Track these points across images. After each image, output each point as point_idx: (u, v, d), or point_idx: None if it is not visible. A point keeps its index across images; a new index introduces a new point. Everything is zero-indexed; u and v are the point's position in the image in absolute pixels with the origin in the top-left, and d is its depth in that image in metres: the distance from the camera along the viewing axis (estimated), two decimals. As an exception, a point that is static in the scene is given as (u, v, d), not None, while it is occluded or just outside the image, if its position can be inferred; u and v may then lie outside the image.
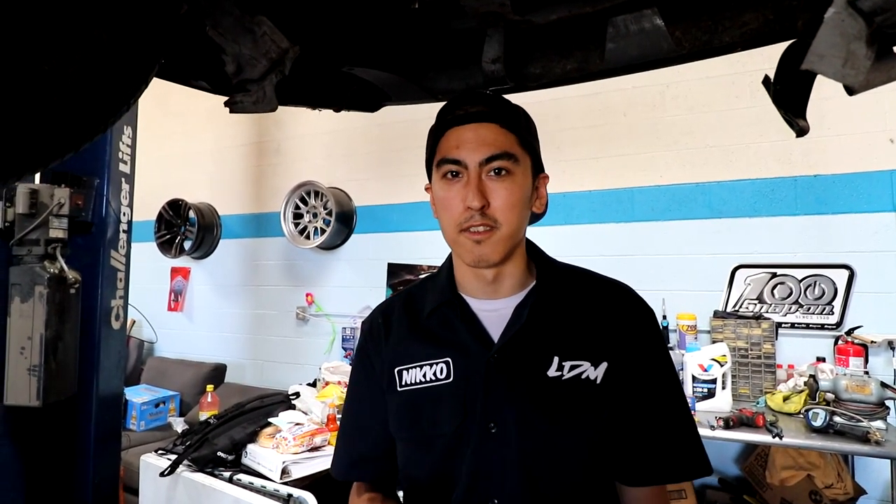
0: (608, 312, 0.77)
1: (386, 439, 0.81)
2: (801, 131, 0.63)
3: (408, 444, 0.78)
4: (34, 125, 0.48)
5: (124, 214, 2.55)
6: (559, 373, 0.72)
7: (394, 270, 3.55)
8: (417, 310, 0.82)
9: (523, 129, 0.74)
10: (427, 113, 3.35)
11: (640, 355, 0.75)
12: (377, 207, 3.64)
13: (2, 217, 1.91)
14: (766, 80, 0.68)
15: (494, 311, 0.77)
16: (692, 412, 0.80)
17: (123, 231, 2.54)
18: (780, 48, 0.80)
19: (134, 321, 4.24)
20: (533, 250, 0.83)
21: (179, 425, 3.25)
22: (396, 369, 0.78)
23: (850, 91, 0.54)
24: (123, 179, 2.55)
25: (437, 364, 0.76)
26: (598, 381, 0.72)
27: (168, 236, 4.03)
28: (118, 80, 0.53)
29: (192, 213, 3.99)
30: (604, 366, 0.72)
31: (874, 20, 0.44)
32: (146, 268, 4.26)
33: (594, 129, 3.06)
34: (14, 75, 0.46)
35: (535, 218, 0.84)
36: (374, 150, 3.68)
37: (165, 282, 4.31)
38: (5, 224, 1.92)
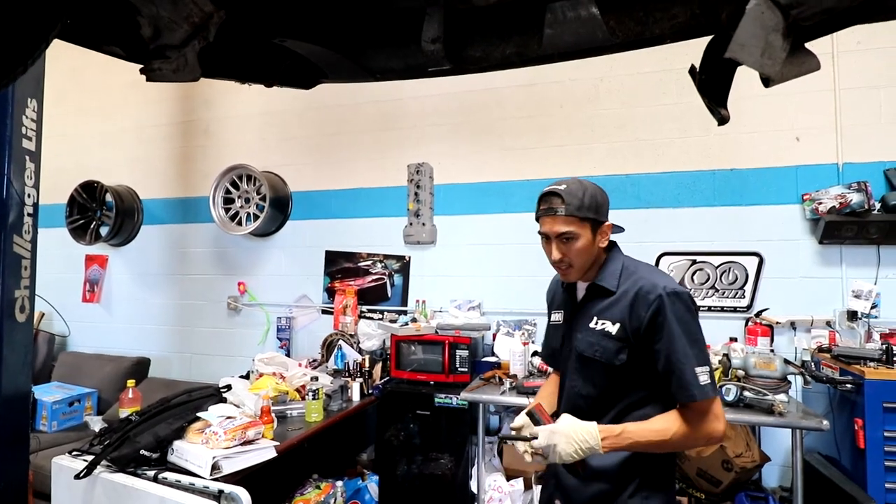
0: (628, 293, 1.24)
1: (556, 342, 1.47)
2: (723, 119, 0.66)
3: (551, 351, 1.46)
4: None
5: (29, 196, 2.32)
6: (594, 326, 1.27)
7: (332, 258, 3.47)
8: (556, 283, 1.51)
9: (583, 210, 1.23)
10: (367, 97, 3.27)
11: (644, 319, 1.20)
12: (314, 193, 3.54)
13: None
14: (692, 70, 0.71)
15: (583, 287, 1.36)
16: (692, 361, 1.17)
17: (28, 214, 2.31)
18: (704, 44, 0.84)
19: (42, 313, 3.89)
20: (610, 255, 1.33)
21: (97, 424, 3.02)
22: (550, 311, 1.50)
23: (767, 82, 0.57)
24: (28, 157, 2.31)
25: (559, 313, 1.44)
26: (613, 333, 1.23)
27: (82, 221, 3.71)
28: (10, 35, 0.47)
29: (109, 197, 3.70)
30: (617, 325, 1.23)
31: (790, 13, 0.47)
32: (56, 255, 3.92)
33: (532, 120, 3.12)
34: None
35: (616, 231, 1.35)
36: (311, 134, 3.56)
37: (79, 271, 3.98)
38: None
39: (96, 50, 0.74)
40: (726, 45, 0.54)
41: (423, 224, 3.30)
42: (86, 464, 1.74)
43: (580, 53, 0.88)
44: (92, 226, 3.71)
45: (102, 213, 3.73)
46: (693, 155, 2.86)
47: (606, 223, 1.29)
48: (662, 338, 1.17)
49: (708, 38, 0.81)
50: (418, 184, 3.31)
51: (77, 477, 1.72)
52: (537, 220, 1.29)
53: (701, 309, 2.74)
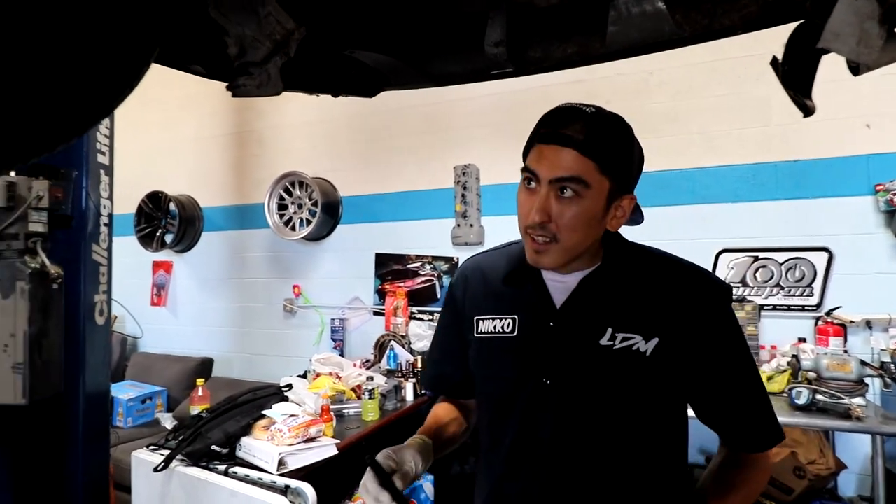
0: (668, 291, 0.84)
1: (462, 366, 1.00)
2: (809, 111, 0.64)
3: (480, 379, 0.97)
4: (39, 108, 0.46)
5: (104, 207, 2.49)
6: (611, 342, 0.82)
7: (382, 261, 3.53)
8: (493, 271, 0.97)
9: (609, 154, 0.78)
10: (415, 101, 3.31)
11: (699, 333, 0.82)
12: (363, 197, 3.61)
13: (-22, 211, 1.84)
14: (774, 62, 0.68)
15: (562, 284, 0.89)
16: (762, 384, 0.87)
17: (104, 224, 2.48)
18: (771, 32, 0.81)
19: (116, 316, 4.15)
20: (610, 237, 0.89)
21: (168, 421, 3.20)
22: (475, 317, 0.96)
23: (857, 71, 0.55)
24: (103, 171, 2.48)
25: (505, 319, 0.91)
26: (648, 354, 0.80)
27: (148, 229, 3.94)
28: (121, 63, 0.51)
29: (172, 206, 3.91)
30: (655, 341, 0.81)
31: (887, 1, 0.45)
32: (127, 262, 4.17)
33: (580, 117, 3.07)
34: (13, 57, 0.44)
35: (631, 222, 0.91)
36: (359, 139, 3.64)
37: (147, 276, 4.22)
38: (-18, 218, 1.85)
39: (180, 69, 0.79)
40: (813, 34, 0.52)
41: (471, 225, 3.31)
42: (163, 458, 1.85)
43: (645, 49, 0.86)
44: (158, 233, 3.93)
45: (167, 222, 3.95)
46: (751, 147, 2.73)
47: (631, 196, 0.84)
48: (727, 358, 0.83)
49: (778, 28, 0.78)
50: (465, 185, 3.32)
51: (155, 470, 1.83)
52: (528, 150, 0.83)
53: (766, 308, 2.62)
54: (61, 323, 2.05)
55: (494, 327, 0.92)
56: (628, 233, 0.94)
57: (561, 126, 0.78)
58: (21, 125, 0.44)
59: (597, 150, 0.77)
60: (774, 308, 2.62)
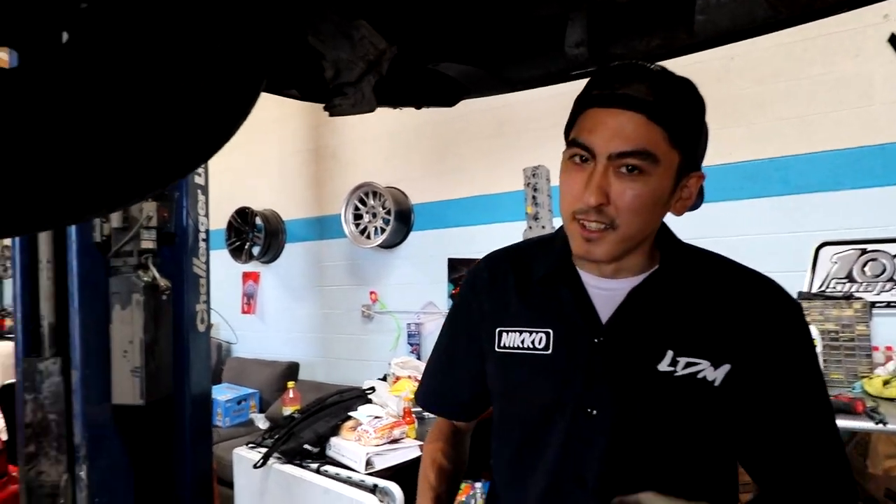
0: (741, 307, 0.69)
1: (472, 382, 0.84)
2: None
3: (502, 401, 0.81)
4: (173, 138, 0.52)
5: (202, 224, 2.70)
6: (671, 368, 0.67)
7: (454, 265, 3.57)
8: (526, 271, 0.79)
9: (680, 122, 0.65)
10: (482, 105, 3.31)
11: (777, 361, 0.68)
12: (434, 204, 3.67)
13: (99, 231, 2.07)
14: (892, 38, 0.63)
15: (608, 291, 0.73)
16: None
17: (202, 240, 2.69)
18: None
19: (213, 324, 4.49)
20: (662, 233, 0.75)
21: (261, 421, 3.42)
22: (497, 329, 0.79)
23: None
24: (199, 191, 2.70)
25: (537, 333, 0.75)
26: (717, 384, 0.67)
27: (238, 243, 4.24)
28: (239, 96, 0.56)
29: (258, 220, 4.18)
30: (726, 368, 0.66)
31: None
32: (220, 273, 4.50)
33: (655, 110, 2.95)
34: (156, 90, 0.50)
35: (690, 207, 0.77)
36: (428, 147, 3.71)
37: (238, 286, 4.53)
38: (102, 238, 2.08)
39: (275, 94, 0.85)
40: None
41: (543, 227, 3.26)
42: (261, 455, 1.98)
43: (735, 36, 0.82)
44: (246, 246, 4.22)
45: (254, 235, 4.22)
46: (853, 129, 2.49)
47: (699, 174, 0.71)
48: (803, 392, 0.68)
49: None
50: (535, 187, 3.29)
51: (255, 466, 1.96)
52: (574, 118, 0.70)
53: (878, 305, 2.37)
54: (170, 331, 2.26)
55: (522, 342, 0.75)
56: (686, 225, 0.81)
57: (622, 85, 0.63)
58: (161, 158, 0.49)
59: (668, 115, 0.63)
60: (888, 305, 2.37)
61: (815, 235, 2.54)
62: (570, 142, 0.70)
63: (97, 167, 0.45)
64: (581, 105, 0.69)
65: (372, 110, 0.68)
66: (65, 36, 0.55)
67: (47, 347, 2.01)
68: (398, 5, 0.63)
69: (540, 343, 0.74)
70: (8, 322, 4.91)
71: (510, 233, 3.40)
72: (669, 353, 0.68)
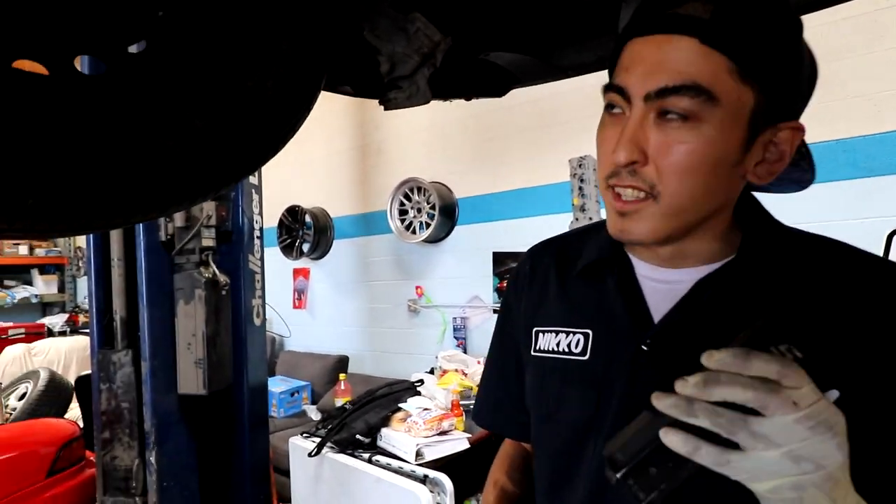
0: (863, 311, 0.50)
1: (521, 392, 0.71)
2: None
3: (534, 415, 0.67)
4: (244, 136, 0.54)
5: (256, 222, 2.81)
6: None
7: (499, 259, 3.55)
8: (571, 261, 0.66)
9: (754, 47, 0.47)
10: (526, 96, 3.27)
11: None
12: (478, 198, 3.67)
13: (164, 231, 2.20)
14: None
15: (666, 284, 0.57)
16: None
17: (257, 237, 2.80)
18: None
19: (266, 318, 4.67)
20: (748, 210, 0.58)
21: (313, 412, 3.53)
22: (534, 329, 0.66)
23: None
24: (254, 191, 2.80)
25: (574, 334, 0.61)
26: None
27: (288, 240, 4.38)
28: (303, 89, 0.57)
29: (308, 218, 4.30)
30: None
31: None
32: (272, 270, 4.67)
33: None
34: (228, 93, 0.52)
35: (791, 183, 0.60)
36: (472, 141, 3.70)
37: (289, 282, 4.69)
38: (167, 237, 2.20)
39: (331, 91, 0.87)
40: None
41: (590, 218, 3.20)
42: (315, 444, 2.04)
43: (801, 9, 0.78)
44: (296, 243, 4.35)
45: (304, 232, 4.35)
46: (931, 106, 2.31)
47: (796, 125, 0.53)
48: None
49: None
50: (581, 178, 3.22)
51: (310, 455, 2.03)
52: (617, 53, 0.53)
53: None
54: (229, 324, 2.37)
55: (558, 345, 0.62)
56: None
57: (673, 4, 0.48)
58: (229, 159, 0.52)
59: (734, 37, 0.46)
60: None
61: (887, 222, 2.37)
62: (606, 87, 0.53)
63: (171, 168, 0.48)
64: (622, 38, 0.52)
65: (427, 102, 0.69)
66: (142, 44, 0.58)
67: (119, 340, 2.15)
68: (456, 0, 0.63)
69: (577, 346, 0.60)
70: (82, 318, 5.28)
71: (556, 225, 3.36)
72: None
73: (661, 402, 0.43)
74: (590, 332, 0.61)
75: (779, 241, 0.57)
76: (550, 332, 0.64)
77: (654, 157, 0.50)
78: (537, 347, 0.66)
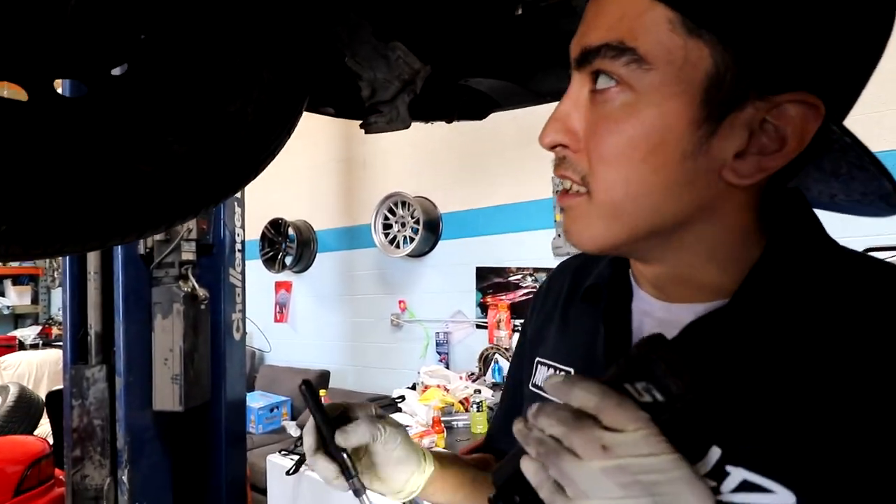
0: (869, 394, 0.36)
1: None
2: None
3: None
4: (224, 161, 0.55)
5: (238, 235, 2.79)
6: (712, 482, 0.38)
7: (482, 274, 3.57)
8: (581, 282, 0.57)
9: None
10: (506, 117, 3.27)
11: None
12: (462, 213, 3.69)
13: (143, 244, 2.17)
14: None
15: (659, 323, 0.47)
16: None
17: (238, 251, 2.78)
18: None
19: (246, 332, 4.61)
20: (778, 225, 0.43)
21: (292, 428, 3.48)
22: (536, 358, 0.60)
23: None
24: (236, 203, 2.79)
25: (559, 371, 0.54)
26: None
27: (271, 253, 4.34)
28: (283, 115, 0.59)
29: (291, 231, 4.28)
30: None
31: None
32: (254, 282, 4.62)
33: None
34: (208, 118, 0.53)
35: (870, 207, 0.43)
36: (457, 157, 3.74)
37: (271, 295, 4.64)
38: (146, 250, 2.18)
39: (313, 112, 0.88)
40: None
41: (572, 235, 3.25)
42: (293, 462, 2.02)
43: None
44: (279, 256, 4.32)
45: (286, 245, 4.32)
46: None
47: (804, 96, 0.36)
48: None
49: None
50: (564, 195, 3.28)
51: (288, 473, 2.00)
52: None
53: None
54: (207, 339, 2.34)
55: (544, 382, 0.52)
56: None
57: None
58: (212, 179, 0.52)
59: None
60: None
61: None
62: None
63: (149, 192, 0.48)
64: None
65: (406, 127, 0.70)
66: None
67: (94, 355, 2.10)
68: (432, 27, 0.65)
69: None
70: (56, 331, 5.15)
71: (539, 241, 3.40)
72: (715, 453, 0.39)
73: (515, 426, 0.40)
74: (571, 371, 0.54)
75: (806, 275, 0.41)
76: (545, 364, 0.58)
77: (586, 139, 0.41)
78: (534, 381, 0.59)
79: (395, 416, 2.14)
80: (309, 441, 0.57)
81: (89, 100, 0.55)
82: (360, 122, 0.74)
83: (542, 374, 0.58)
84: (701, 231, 0.43)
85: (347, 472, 0.56)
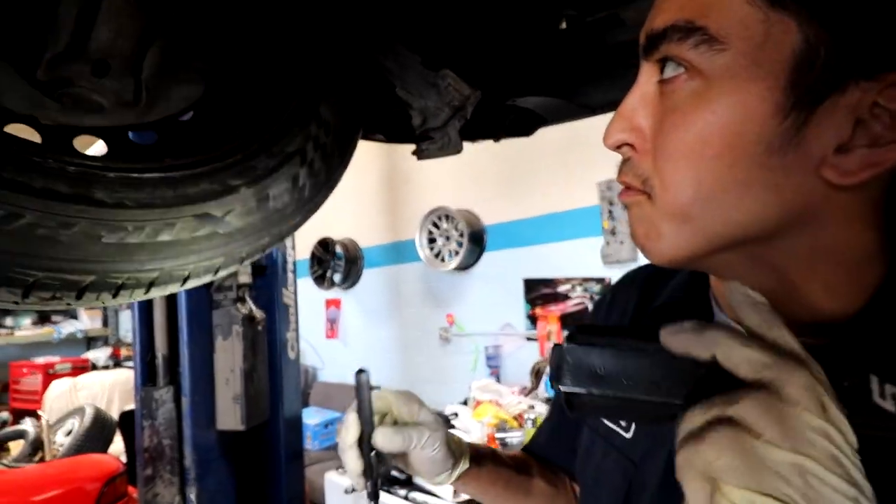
0: None
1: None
2: None
3: (581, 491, 0.59)
4: (286, 200, 0.56)
5: (290, 256, 2.88)
6: None
7: (530, 285, 3.53)
8: (650, 299, 0.52)
9: None
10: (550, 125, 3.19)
11: None
12: (507, 224, 3.67)
13: (202, 269, 2.28)
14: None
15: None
16: None
17: (290, 271, 2.87)
18: None
19: (299, 350, 4.74)
20: None
21: (347, 444, 3.53)
22: None
23: None
24: (286, 225, 2.90)
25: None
26: None
27: (320, 271, 4.46)
28: (341, 149, 0.60)
29: (338, 249, 4.38)
30: None
31: None
32: (304, 300, 4.75)
33: None
34: (271, 157, 0.55)
35: None
36: (500, 168, 3.73)
37: (322, 312, 4.75)
38: (205, 275, 2.29)
39: (363, 139, 0.90)
40: None
41: (622, 242, 3.16)
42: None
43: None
44: (328, 274, 4.43)
45: (335, 263, 4.43)
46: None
47: None
48: None
49: None
50: (611, 200, 3.20)
51: (346, 492, 2.03)
52: None
53: None
54: (265, 359, 2.42)
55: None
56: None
57: None
58: (282, 219, 0.54)
59: None
60: None
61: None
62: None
63: (225, 232, 0.51)
64: None
65: (459, 152, 0.71)
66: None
67: (161, 377, 2.21)
68: (479, 52, 0.66)
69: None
70: (124, 352, 5.46)
71: (586, 249, 3.33)
72: None
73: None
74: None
75: None
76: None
77: (653, 137, 0.37)
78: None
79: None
80: (347, 433, 0.58)
81: (159, 146, 0.58)
82: (413, 149, 0.75)
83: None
84: (798, 243, 0.35)
85: (369, 474, 0.57)
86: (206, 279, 0.53)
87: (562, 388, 0.35)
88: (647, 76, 0.38)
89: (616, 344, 0.33)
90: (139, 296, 0.48)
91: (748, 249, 0.36)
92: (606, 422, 0.51)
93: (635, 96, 0.38)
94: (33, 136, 0.48)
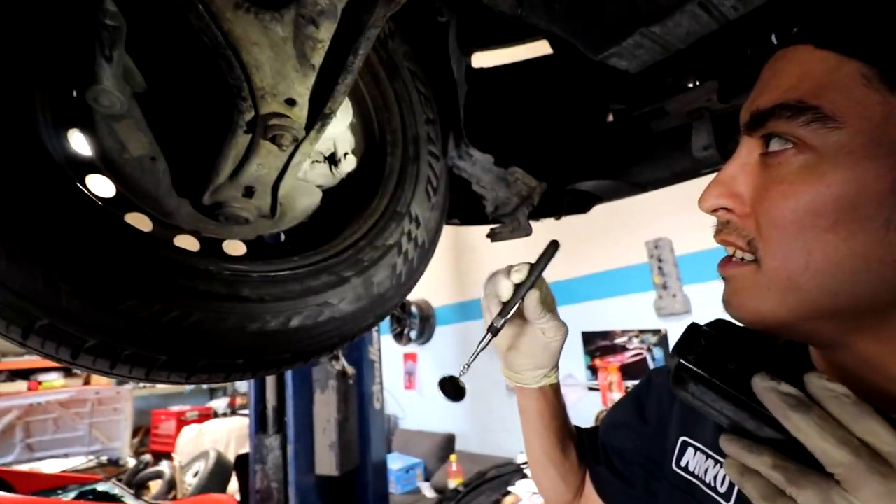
0: None
1: (643, 421, 0.59)
2: None
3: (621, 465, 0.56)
4: (389, 288, 0.58)
5: (374, 318, 2.96)
6: None
7: (589, 338, 3.36)
8: (749, 351, 0.40)
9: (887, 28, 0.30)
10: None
11: None
12: (563, 282, 3.58)
13: (305, 332, 2.38)
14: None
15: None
16: None
17: (375, 330, 2.93)
18: None
19: (384, 401, 4.72)
20: None
21: (427, 489, 3.39)
22: (681, 438, 0.49)
23: None
24: (371, 291, 2.99)
25: (723, 467, 0.41)
26: None
27: (399, 329, 4.51)
28: (432, 238, 0.62)
29: (414, 308, 4.43)
30: None
31: None
32: (386, 355, 4.79)
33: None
34: (377, 255, 0.58)
35: None
36: (549, 233, 3.69)
37: (400, 365, 4.75)
38: (307, 336, 2.38)
39: (444, 224, 0.93)
40: None
41: (674, 295, 2.97)
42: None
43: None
44: (405, 331, 4.47)
45: (411, 321, 4.47)
46: None
47: None
48: None
49: None
50: (659, 258, 3.06)
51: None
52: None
53: None
54: (355, 410, 2.42)
55: (705, 473, 0.45)
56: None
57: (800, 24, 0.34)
58: (386, 303, 0.56)
59: (860, 29, 0.31)
60: None
61: None
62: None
63: (344, 320, 0.53)
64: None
65: (528, 235, 0.72)
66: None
67: (271, 425, 2.27)
68: (542, 150, 0.68)
69: (722, 484, 0.42)
70: (239, 401, 5.68)
71: (639, 304, 3.15)
72: None
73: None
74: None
75: None
76: (701, 451, 0.46)
77: (754, 203, 0.34)
78: (682, 463, 0.49)
79: (524, 483, 2.00)
80: (517, 273, 0.57)
81: (282, 246, 0.63)
82: (487, 233, 0.77)
83: (695, 461, 0.47)
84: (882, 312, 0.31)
85: (505, 310, 0.57)
86: (324, 356, 0.55)
87: (682, 361, 0.33)
88: (749, 149, 0.36)
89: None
90: (274, 372, 0.50)
91: (851, 319, 0.33)
92: (706, 479, 0.45)
93: (735, 165, 0.36)
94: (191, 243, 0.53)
